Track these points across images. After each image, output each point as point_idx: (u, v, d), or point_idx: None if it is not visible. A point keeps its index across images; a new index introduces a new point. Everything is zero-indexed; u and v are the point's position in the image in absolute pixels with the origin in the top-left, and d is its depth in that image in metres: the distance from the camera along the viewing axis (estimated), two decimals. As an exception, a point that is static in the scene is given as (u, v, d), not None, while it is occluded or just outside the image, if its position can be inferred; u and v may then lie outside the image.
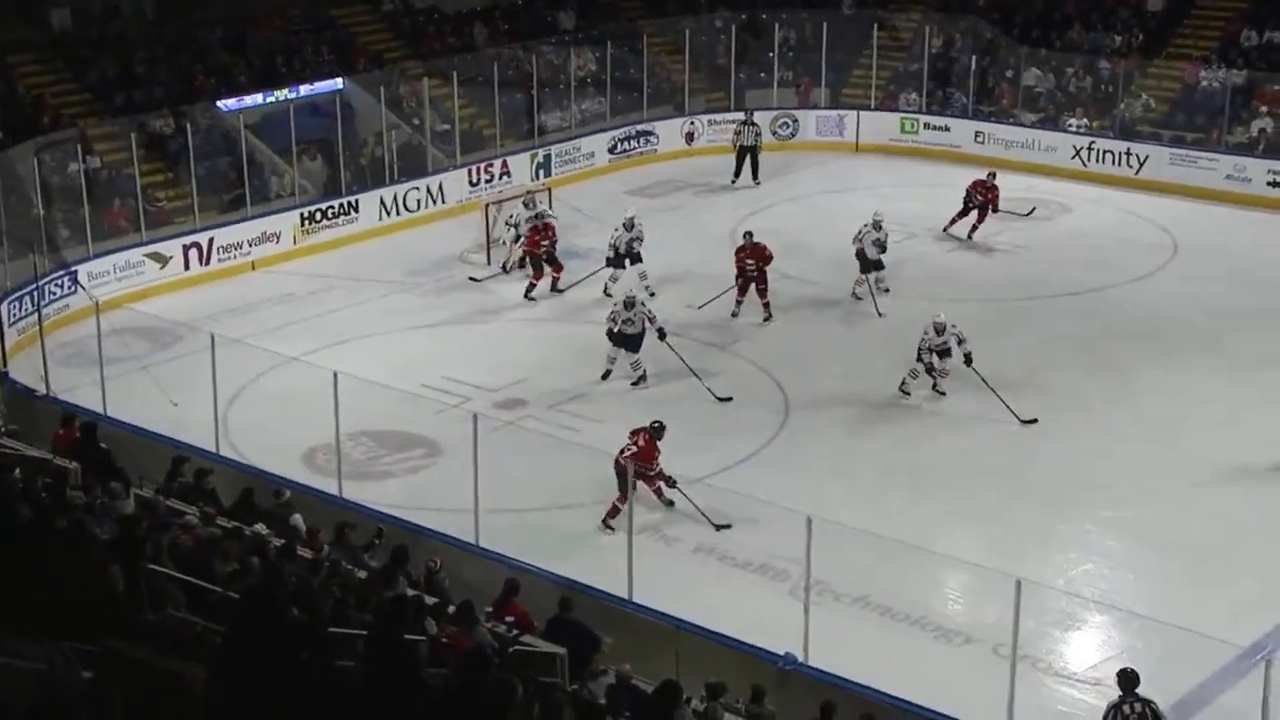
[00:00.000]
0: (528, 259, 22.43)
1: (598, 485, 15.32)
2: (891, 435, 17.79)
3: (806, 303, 22.01)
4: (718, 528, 15.32)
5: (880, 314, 21.23)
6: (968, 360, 18.19)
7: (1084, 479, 16.40)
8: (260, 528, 12.79)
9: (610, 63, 30.25)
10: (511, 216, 23.63)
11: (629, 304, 18.84)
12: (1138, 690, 10.75)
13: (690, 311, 21.16)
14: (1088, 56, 30.35)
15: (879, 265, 21.72)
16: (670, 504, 15.68)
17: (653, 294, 21.60)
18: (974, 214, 24.47)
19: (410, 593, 11.30)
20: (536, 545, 14.24)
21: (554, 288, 22.39)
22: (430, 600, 11.38)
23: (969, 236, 24.48)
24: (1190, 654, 12.27)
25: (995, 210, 24.58)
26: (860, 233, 21.75)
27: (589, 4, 33.72)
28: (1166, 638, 12.38)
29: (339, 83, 28.08)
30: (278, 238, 24.55)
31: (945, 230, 24.76)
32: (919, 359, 18.42)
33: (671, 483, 15.58)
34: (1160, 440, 17.46)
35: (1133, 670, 10.83)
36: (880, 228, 21.60)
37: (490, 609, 11.96)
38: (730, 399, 18.35)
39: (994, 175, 24.84)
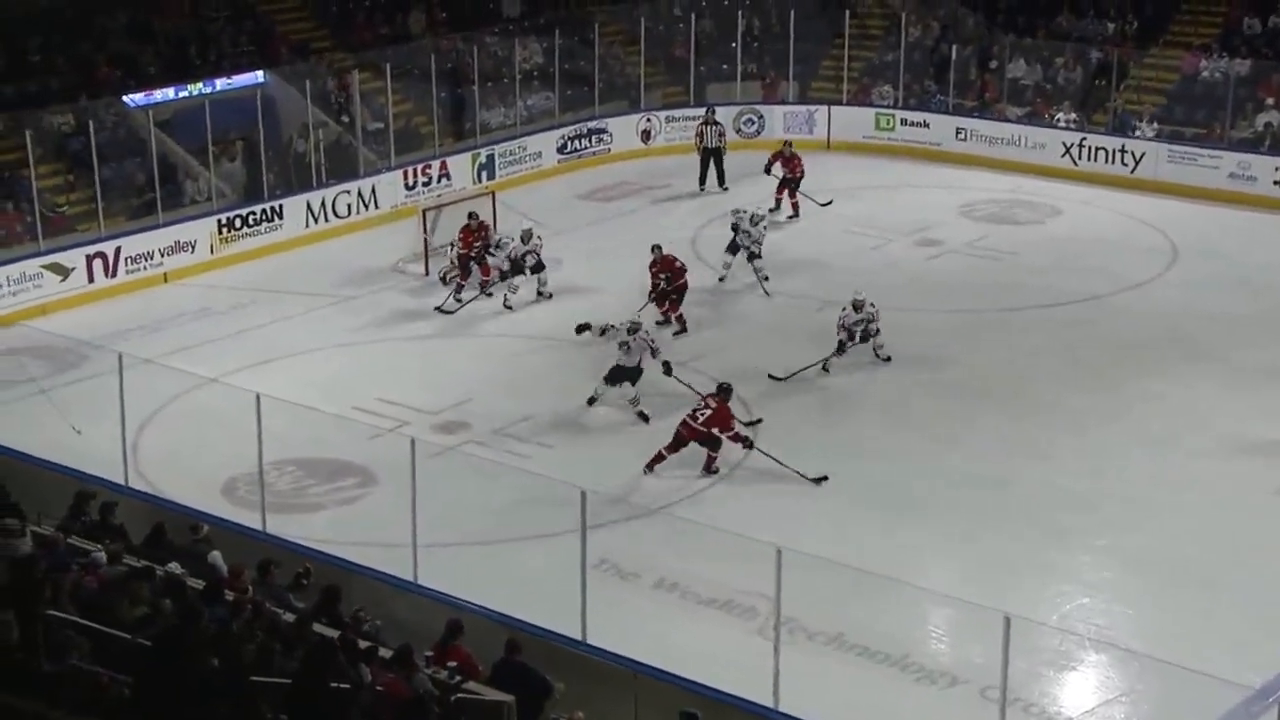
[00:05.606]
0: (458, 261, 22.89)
1: (547, 516, 15.25)
2: (850, 452, 17.68)
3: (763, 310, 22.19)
4: (816, 481, 16.37)
5: (768, 294, 22.61)
6: (869, 338, 19.62)
7: (1075, 502, 16.44)
8: (174, 566, 12.67)
9: (559, 54, 30.28)
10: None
11: (633, 329, 18.52)
12: None
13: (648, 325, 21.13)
14: (1078, 45, 30.63)
15: (758, 255, 22.89)
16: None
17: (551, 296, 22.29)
18: None
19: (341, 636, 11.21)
20: (481, 582, 14.15)
21: (484, 290, 22.67)
22: (364, 644, 11.29)
23: None
24: (1196, 696, 12.31)
25: None
26: (737, 218, 22.91)
27: (535, -11, 33.78)
28: (1169, 678, 12.43)
29: (259, 76, 28.00)
30: (193, 247, 24.38)
31: None
32: (839, 336, 19.61)
33: (749, 444, 16.26)
34: (1157, 460, 17.56)
35: None
36: (755, 221, 22.77)
37: (430, 653, 11.89)
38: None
39: None
